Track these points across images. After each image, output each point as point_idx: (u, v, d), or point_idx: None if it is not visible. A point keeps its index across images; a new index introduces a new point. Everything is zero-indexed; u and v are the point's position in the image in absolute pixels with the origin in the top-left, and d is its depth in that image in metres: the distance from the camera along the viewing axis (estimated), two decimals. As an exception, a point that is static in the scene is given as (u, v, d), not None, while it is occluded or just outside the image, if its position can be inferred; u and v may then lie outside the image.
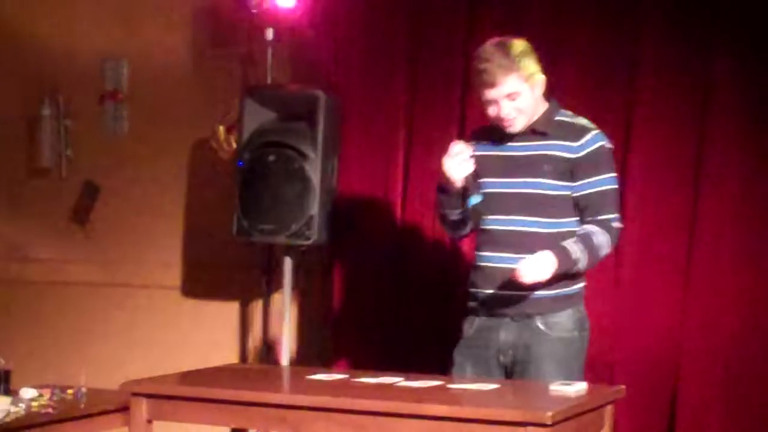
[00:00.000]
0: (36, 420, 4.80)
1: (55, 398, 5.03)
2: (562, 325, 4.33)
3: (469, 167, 4.33)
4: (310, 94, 5.39)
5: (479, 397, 3.97)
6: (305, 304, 5.89)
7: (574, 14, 5.28)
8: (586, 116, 4.47)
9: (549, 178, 4.32)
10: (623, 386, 4.37)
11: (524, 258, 4.19)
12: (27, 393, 5.01)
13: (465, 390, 4.03)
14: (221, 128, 5.91)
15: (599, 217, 4.31)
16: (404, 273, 5.58)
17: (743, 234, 5.06)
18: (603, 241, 4.29)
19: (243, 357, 6.06)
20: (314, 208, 5.30)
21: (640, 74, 5.18)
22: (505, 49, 4.29)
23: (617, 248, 5.13)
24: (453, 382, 4.12)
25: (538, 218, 4.34)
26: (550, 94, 4.49)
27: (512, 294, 4.29)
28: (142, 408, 4.14)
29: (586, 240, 4.26)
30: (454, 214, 4.46)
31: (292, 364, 5.53)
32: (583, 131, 4.35)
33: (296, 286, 5.68)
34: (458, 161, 4.30)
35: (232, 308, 6.15)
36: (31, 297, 6.62)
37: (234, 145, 5.78)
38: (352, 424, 3.87)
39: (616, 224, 4.34)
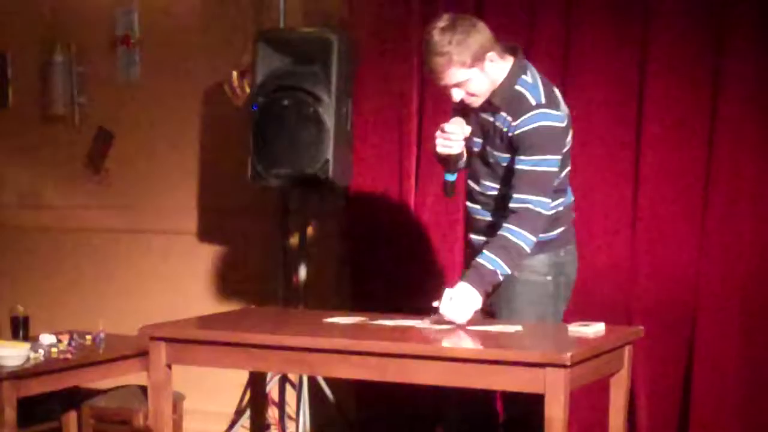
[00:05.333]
0: (56, 366, 4.84)
1: (74, 344, 5.07)
2: (534, 268, 4.28)
3: (457, 148, 4.28)
4: (323, 37, 5.36)
5: (498, 338, 3.97)
6: (322, 247, 5.89)
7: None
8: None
9: (500, 151, 4.25)
10: (641, 327, 4.37)
11: (495, 214, 4.26)
12: (46, 339, 5.04)
13: (484, 332, 4.02)
14: (235, 73, 5.89)
15: (516, 196, 4.15)
16: (421, 213, 5.58)
17: (760, 172, 5.04)
18: (518, 237, 4.12)
19: (261, 301, 6.07)
20: (329, 151, 5.27)
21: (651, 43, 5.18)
22: (446, 37, 4.09)
23: (635, 190, 5.14)
24: (472, 324, 4.11)
25: (497, 184, 4.29)
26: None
27: (488, 240, 4.26)
28: (161, 352, 4.14)
29: (500, 246, 4.13)
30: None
31: (309, 307, 5.54)
32: (525, 109, 4.15)
33: (313, 229, 5.67)
34: (446, 140, 4.27)
35: (249, 253, 6.15)
36: (46, 244, 6.64)
37: (248, 90, 5.76)
38: (371, 366, 3.87)
39: (533, 207, 4.13)
